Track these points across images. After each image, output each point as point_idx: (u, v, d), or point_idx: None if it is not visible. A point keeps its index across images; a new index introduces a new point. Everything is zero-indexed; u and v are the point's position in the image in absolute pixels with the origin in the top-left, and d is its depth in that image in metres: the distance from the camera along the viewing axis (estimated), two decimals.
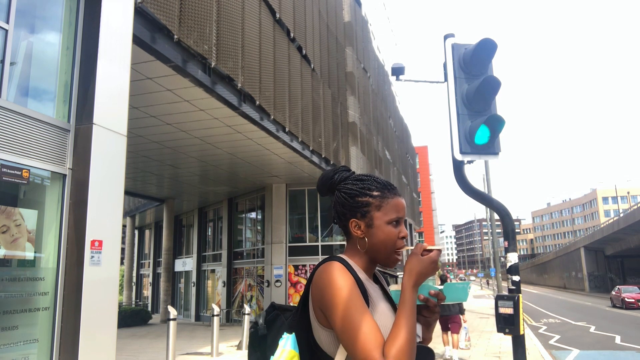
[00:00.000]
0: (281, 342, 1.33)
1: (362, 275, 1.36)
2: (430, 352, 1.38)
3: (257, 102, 9.80)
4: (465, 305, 12.80)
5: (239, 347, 11.59)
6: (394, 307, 1.39)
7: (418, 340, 1.37)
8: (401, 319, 1.22)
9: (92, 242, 4.50)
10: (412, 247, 1.35)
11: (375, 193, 1.40)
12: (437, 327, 9.72)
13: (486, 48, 5.15)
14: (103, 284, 4.61)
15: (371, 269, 1.43)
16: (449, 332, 9.81)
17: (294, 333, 1.33)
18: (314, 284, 1.31)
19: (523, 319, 4.96)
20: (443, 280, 12.68)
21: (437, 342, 10.52)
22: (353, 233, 1.39)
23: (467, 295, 1.34)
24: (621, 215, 43.34)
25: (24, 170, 4.20)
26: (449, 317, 9.71)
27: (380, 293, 1.39)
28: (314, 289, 1.30)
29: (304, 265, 16.80)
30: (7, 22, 4.28)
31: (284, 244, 17.15)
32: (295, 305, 1.45)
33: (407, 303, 1.25)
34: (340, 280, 1.25)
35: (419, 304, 1.32)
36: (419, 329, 1.37)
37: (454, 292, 1.31)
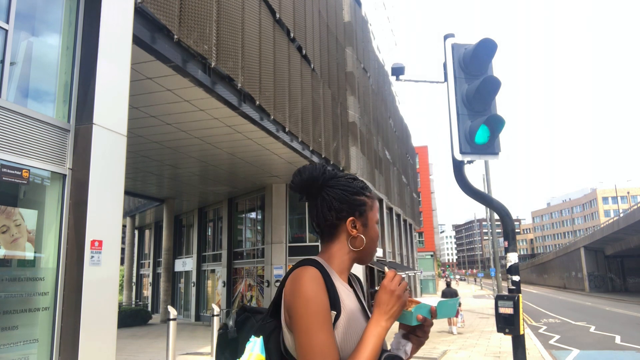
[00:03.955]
0: (248, 346, 1.31)
1: (336, 280, 1.35)
2: None
3: (257, 102, 9.79)
4: (465, 304, 16.12)
5: None
6: (364, 310, 1.40)
7: (406, 357, 1.37)
8: (364, 352, 1.21)
9: (92, 242, 4.50)
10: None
11: (368, 193, 1.43)
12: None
13: (486, 48, 5.15)
14: (103, 284, 4.61)
15: (348, 270, 1.42)
16: (452, 317, 13.93)
17: (261, 337, 1.31)
18: (287, 288, 1.28)
19: (523, 319, 4.95)
20: (448, 284, 16.29)
21: (443, 326, 16.11)
22: (350, 232, 1.37)
23: (455, 310, 1.38)
24: (621, 215, 43.31)
25: (24, 170, 4.20)
26: None
27: (354, 297, 1.39)
28: (287, 293, 1.28)
29: None
30: (7, 22, 4.28)
31: (284, 244, 17.14)
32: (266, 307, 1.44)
33: (375, 336, 1.23)
34: (310, 290, 1.23)
35: (417, 324, 1.31)
36: (409, 347, 1.37)
37: (446, 309, 1.34)
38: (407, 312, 1.29)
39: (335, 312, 1.27)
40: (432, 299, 1.35)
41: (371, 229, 1.41)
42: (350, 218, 1.38)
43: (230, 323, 1.41)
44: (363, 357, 1.20)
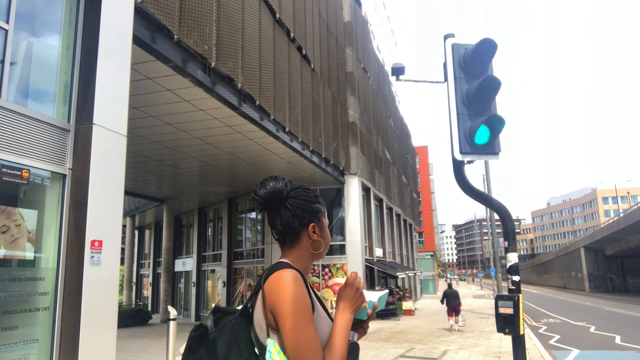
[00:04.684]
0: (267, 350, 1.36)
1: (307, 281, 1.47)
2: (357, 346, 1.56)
3: (257, 102, 9.79)
4: (465, 304, 17.98)
5: None
6: (323, 305, 1.52)
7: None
8: (339, 341, 1.37)
9: (92, 242, 4.50)
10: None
11: (321, 201, 1.60)
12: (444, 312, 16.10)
13: (486, 48, 5.14)
14: (103, 284, 4.61)
15: (308, 271, 1.56)
16: (454, 316, 15.68)
17: (274, 340, 1.35)
18: (269, 290, 1.37)
19: (523, 319, 4.95)
20: (449, 286, 17.23)
21: (445, 325, 16.81)
22: (311, 236, 1.52)
23: (385, 302, 1.61)
24: (621, 215, 43.31)
25: (24, 170, 4.20)
26: (454, 307, 15.59)
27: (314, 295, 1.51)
28: (269, 294, 1.36)
29: None
30: (7, 22, 4.28)
31: None
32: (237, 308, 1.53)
33: (346, 327, 1.41)
34: (297, 290, 1.35)
35: (366, 319, 1.53)
36: (356, 337, 1.54)
37: (382, 301, 1.57)
38: (362, 307, 1.50)
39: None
40: (371, 294, 1.56)
41: (325, 232, 1.57)
42: (311, 224, 1.52)
43: (210, 323, 1.45)
44: (340, 345, 1.36)
